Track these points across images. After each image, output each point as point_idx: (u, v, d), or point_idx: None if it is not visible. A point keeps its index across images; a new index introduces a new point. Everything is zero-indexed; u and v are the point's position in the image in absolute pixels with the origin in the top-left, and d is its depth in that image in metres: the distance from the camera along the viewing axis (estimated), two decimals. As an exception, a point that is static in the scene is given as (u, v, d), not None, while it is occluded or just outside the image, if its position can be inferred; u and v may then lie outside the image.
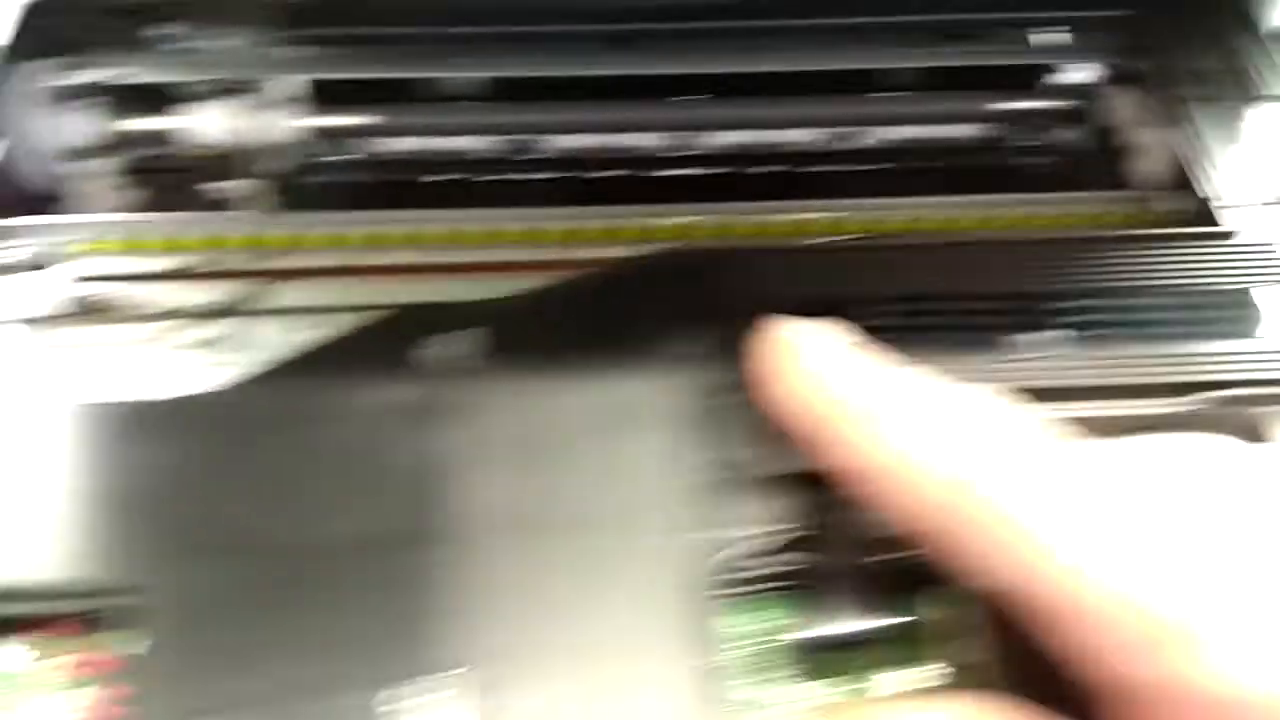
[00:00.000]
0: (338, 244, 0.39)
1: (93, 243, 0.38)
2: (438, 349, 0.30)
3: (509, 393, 0.29)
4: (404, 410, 0.28)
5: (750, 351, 0.26)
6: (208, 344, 0.36)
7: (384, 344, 0.31)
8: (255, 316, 0.36)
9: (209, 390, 0.30)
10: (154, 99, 0.42)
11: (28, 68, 0.40)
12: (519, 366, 0.30)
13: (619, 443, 0.28)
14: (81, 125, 0.41)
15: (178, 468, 0.28)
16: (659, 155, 0.43)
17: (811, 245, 0.35)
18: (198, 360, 0.35)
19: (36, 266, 0.37)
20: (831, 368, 0.23)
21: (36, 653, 0.27)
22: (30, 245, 0.37)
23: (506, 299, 0.32)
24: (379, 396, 0.28)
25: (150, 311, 0.36)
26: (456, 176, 0.43)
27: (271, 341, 0.36)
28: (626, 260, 0.35)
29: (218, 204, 0.41)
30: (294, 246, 0.38)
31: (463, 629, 0.25)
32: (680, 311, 0.30)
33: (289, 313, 0.36)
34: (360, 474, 0.27)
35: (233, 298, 0.37)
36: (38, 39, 0.40)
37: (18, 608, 0.27)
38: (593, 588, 0.26)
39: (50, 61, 0.41)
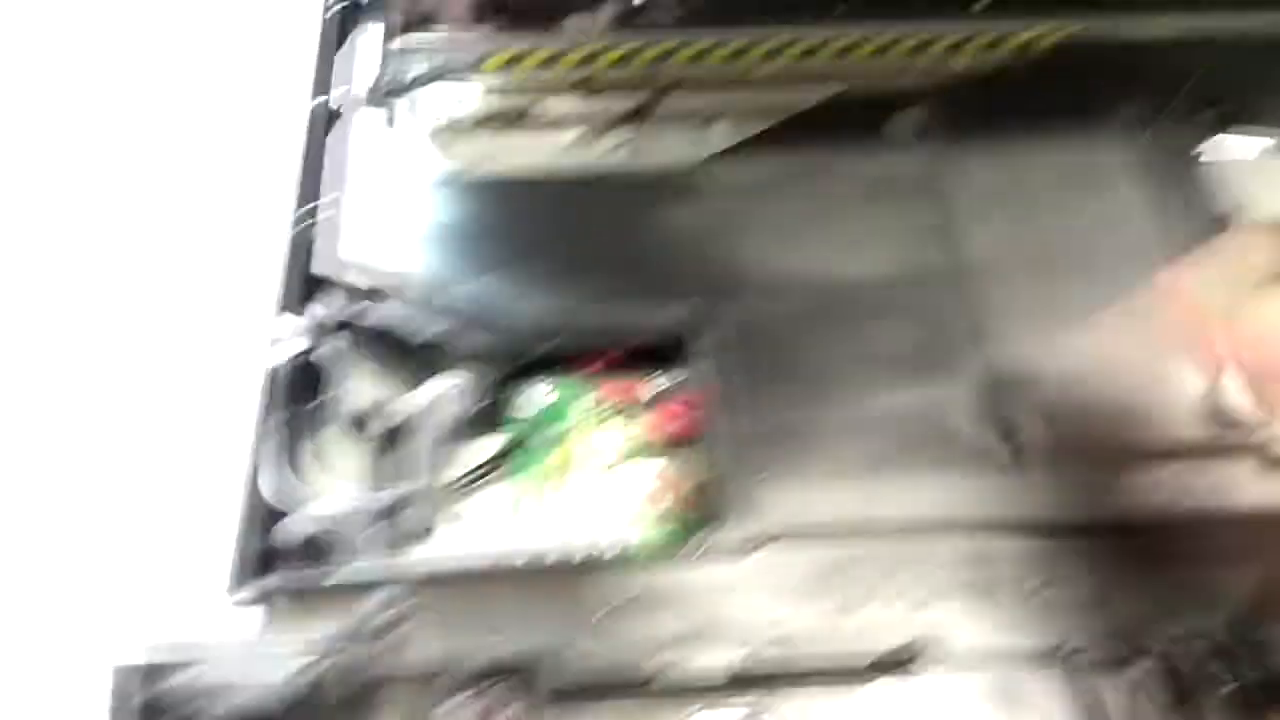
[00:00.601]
0: (701, 59, 0.42)
1: (493, 57, 0.41)
2: (903, 123, 0.34)
3: (981, 156, 0.33)
4: (893, 172, 0.33)
5: None
6: (616, 149, 0.39)
7: (853, 118, 0.34)
8: (653, 123, 0.40)
9: (721, 155, 0.34)
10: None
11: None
12: (979, 135, 0.33)
13: (1089, 197, 0.32)
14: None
15: (699, 221, 0.32)
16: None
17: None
18: (605, 161, 0.39)
19: (442, 78, 0.40)
20: None
21: (573, 389, 0.31)
22: (430, 59, 0.41)
23: (960, 78, 0.36)
24: (870, 161, 0.32)
25: (559, 120, 0.40)
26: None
27: (669, 145, 0.39)
28: (1064, 46, 0.39)
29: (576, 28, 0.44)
30: (663, 60, 0.42)
31: (985, 350, 0.30)
32: (1120, 89, 0.34)
33: (683, 118, 0.40)
34: (865, 224, 0.32)
35: (632, 106, 0.40)
36: None
37: (558, 344, 0.31)
38: (1094, 317, 0.30)
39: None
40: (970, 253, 0.31)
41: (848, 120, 0.35)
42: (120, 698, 0.19)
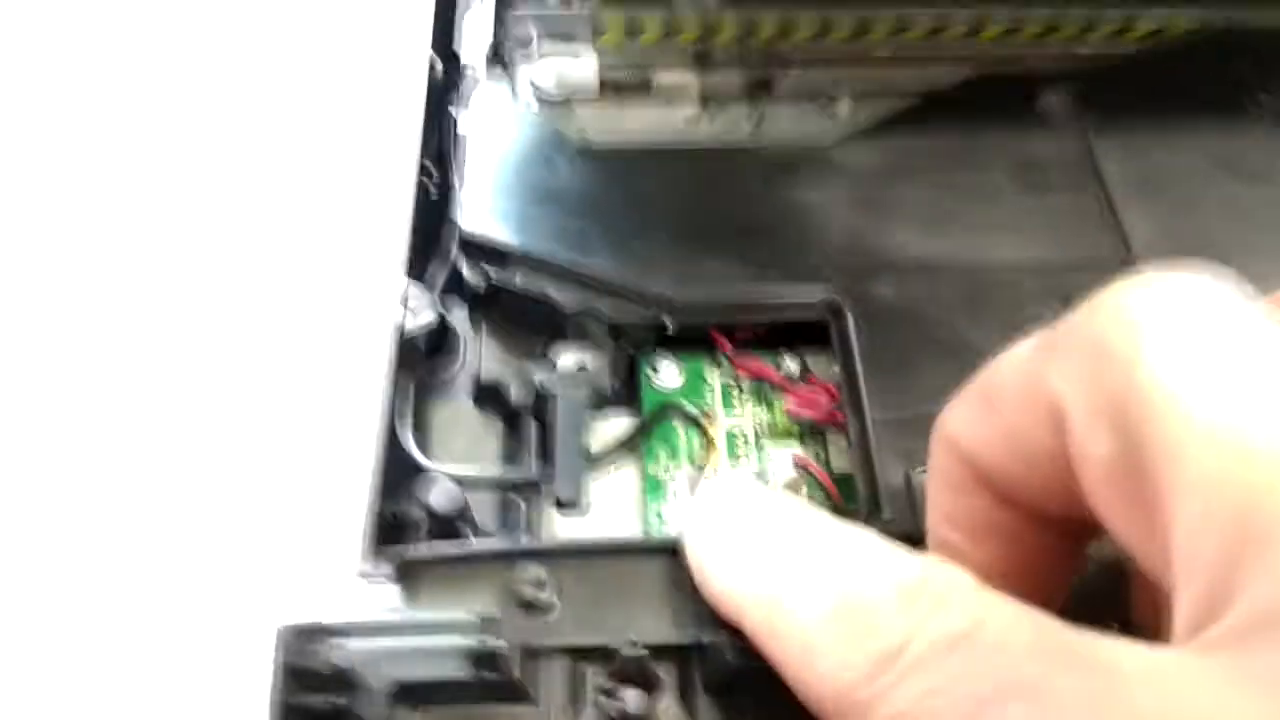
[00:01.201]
0: (822, 34, 0.41)
1: (609, 27, 0.40)
2: (1049, 106, 0.33)
3: (1132, 141, 0.32)
4: (1041, 156, 0.31)
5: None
6: (733, 125, 0.38)
7: (995, 100, 0.33)
8: (773, 99, 0.39)
9: (859, 133, 0.33)
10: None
11: None
12: (1127, 120, 0.32)
13: (1244, 185, 0.31)
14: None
15: (839, 201, 0.31)
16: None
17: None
18: (724, 137, 0.38)
19: (559, 47, 0.39)
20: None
21: (707, 367, 0.30)
22: (546, 27, 0.40)
23: (1102, 63, 0.35)
24: (1017, 144, 0.31)
25: (677, 93, 0.39)
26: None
27: (790, 122, 0.38)
28: (1203, 33, 0.37)
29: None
30: (783, 34, 0.40)
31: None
32: (1263, 76, 0.33)
33: (805, 95, 0.39)
34: (1014, 207, 0.30)
35: (752, 81, 0.39)
36: None
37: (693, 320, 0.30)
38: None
39: None
40: (1127, 237, 0.30)
41: (990, 102, 0.34)
42: (290, 657, 0.19)
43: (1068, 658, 0.14)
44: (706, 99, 0.39)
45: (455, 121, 0.34)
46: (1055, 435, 0.17)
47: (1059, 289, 0.29)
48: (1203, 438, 0.14)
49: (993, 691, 0.14)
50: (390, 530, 0.27)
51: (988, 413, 0.18)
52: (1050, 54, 0.38)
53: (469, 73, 0.36)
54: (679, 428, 0.29)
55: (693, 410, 0.28)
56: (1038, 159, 0.32)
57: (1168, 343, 0.15)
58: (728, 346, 0.30)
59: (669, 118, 0.39)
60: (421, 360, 0.30)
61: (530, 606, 0.23)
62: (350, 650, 0.20)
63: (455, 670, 0.21)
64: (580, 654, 0.22)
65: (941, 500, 0.19)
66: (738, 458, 0.28)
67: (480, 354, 0.30)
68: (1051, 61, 0.37)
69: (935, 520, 0.20)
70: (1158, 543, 0.15)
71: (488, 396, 0.29)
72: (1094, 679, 0.13)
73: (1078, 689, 0.13)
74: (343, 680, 0.20)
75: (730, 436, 0.29)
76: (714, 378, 0.30)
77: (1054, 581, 0.20)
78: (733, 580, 0.19)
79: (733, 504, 0.20)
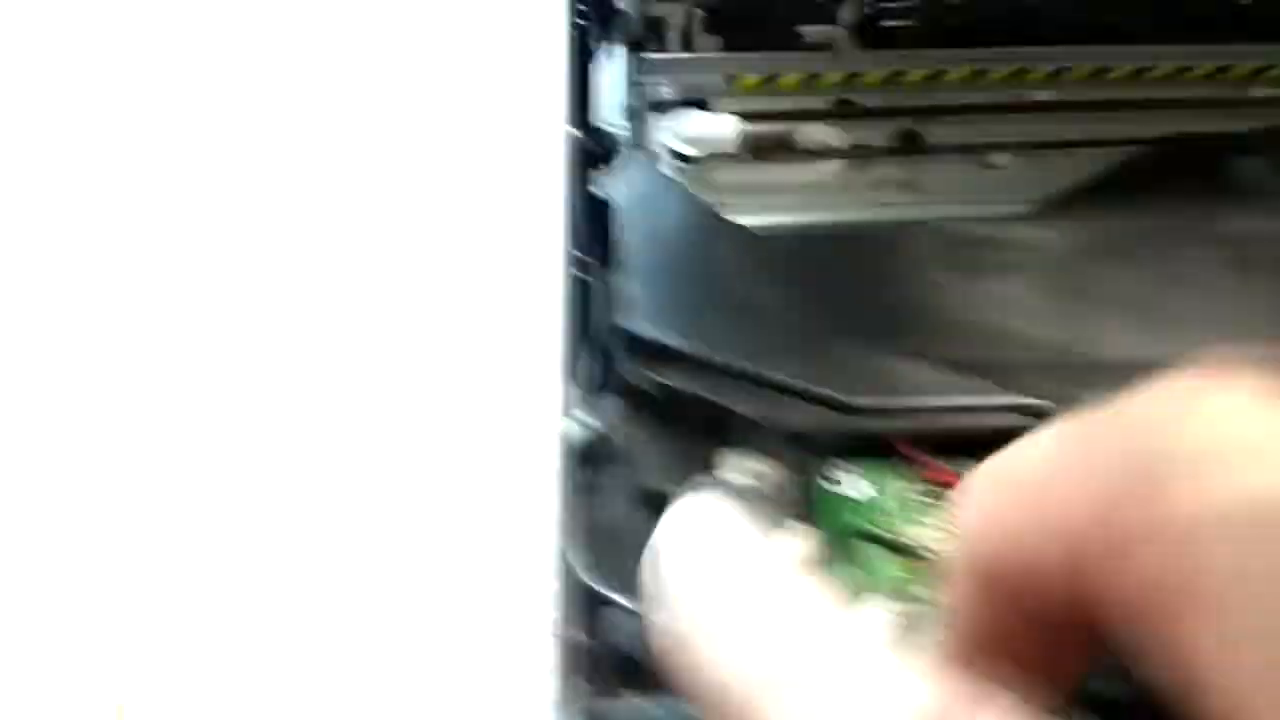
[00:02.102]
0: (976, 81, 0.38)
1: (744, 78, 0.38)
2: (1249, 173, 0.30)
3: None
4: (1247, 230, 0.28)
5: None
6: (882, 183, 0.36)
7: (1188, 164, 0.30)
8: (926, 154, 0.36)
9: (1042, 211, 0.30)
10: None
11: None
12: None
13: None
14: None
15: (1032, 291, 0.28)
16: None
17: None
18: (874, 197, 0.36)
19: (692, 104, 0.37)
20: None
21: (892, 474, 0.27)
22: (677, 80, 0.38)
23: None
24: (1228, 220, 0.28)
25: (820, 148, 0.37)
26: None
27: (942, 177, 0.36)
28: None
29: (810, 46, 0.41)
30: (933, 85, 0.38)
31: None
32: None
33: (957, 150, 0.37)
34: (1236, 296, 0.28)
35: (898, 136, 0.37)
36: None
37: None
38: None
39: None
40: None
41: (1179, 171, 0.31)
42: None
43: None
44: (852, 154, 0.37)
45: (605, 202, 0.32)
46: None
47: None
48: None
49: None
50: (573, 658, 0.26)
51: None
52: (1234, 98, 0.35)
53: (610, 143, 0.35)
54: (864, 547, 0.27)
55: (887, 534, 0.26)
56: (1245, 237, 0.29)
57: None
58: (919, 455, 0.28)
59: (813, 175, 0.37)
60: (580, 467, 0.29)
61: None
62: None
63: None
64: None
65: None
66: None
67: (649, 458, 0.28)
68: (1233, 115, 0.34)
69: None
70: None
71: (655, 506, 0.28)
72: None
73: None
74: None
75: (918, 548, 0.27)
76: (896, 489, 0.28)
77: (1070, 672, 0.17)
78: (719, 673, 0.16)
79: (718, 561, 0.17)
